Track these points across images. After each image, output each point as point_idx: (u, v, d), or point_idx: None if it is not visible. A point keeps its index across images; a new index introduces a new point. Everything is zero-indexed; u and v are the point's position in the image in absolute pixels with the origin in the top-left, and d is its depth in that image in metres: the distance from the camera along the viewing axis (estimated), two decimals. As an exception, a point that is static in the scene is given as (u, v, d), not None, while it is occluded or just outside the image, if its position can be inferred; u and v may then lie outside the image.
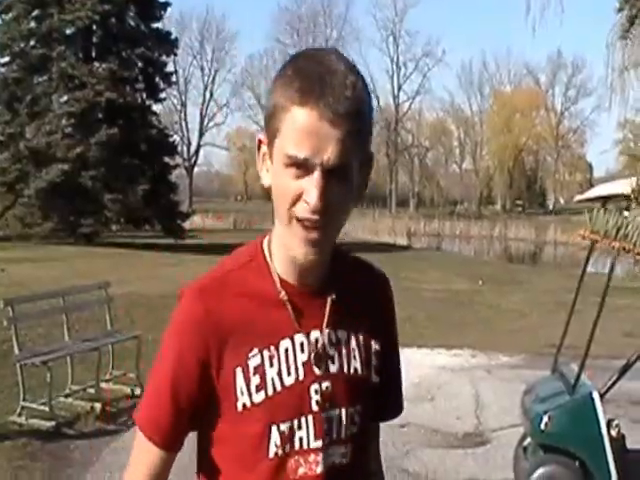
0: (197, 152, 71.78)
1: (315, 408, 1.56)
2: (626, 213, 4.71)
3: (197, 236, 33.36)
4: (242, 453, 1.55)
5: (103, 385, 7.75)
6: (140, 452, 1.61)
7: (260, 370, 1.53)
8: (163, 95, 34.15)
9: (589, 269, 6.75)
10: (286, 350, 1.56)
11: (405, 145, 74.54)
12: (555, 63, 76.80)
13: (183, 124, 71.14)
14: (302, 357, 1.56)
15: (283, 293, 1.56)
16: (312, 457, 1.55)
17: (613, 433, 4.69)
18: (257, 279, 1.58)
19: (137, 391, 7.60)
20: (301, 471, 1.55)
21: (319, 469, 1.56)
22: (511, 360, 10.43)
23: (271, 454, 1.53)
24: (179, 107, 71.27)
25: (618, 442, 4.72)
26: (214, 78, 74.08)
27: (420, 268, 21.65)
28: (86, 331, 9.15)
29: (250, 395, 1.53)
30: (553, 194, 77.35)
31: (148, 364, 1.94)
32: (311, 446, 1.55)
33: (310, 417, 1.56)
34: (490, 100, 76.92)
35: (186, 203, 50.63)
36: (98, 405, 7.18)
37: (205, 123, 71.97)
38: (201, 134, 71.32)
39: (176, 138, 47.37)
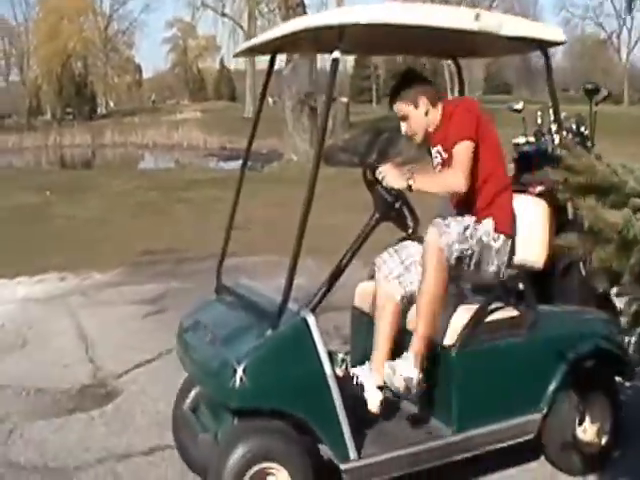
0: None
1: None
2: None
3: None
4: None
5: None
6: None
7: None
8: None
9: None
10: None
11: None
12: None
13: None
14: None
15: None
16: None
17: (339, 372, 3.35)
18: None
19: None
20: None
21: None
22: (107, 277, 8.83)
23: None
24: None
25: (347, 383, 3.40)
26: None
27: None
28: None
29: None
30: (104, 98, 75.45)
31: None
32: None
33: None
34: (37, 8, 71.69)
35: None
36: None
37: None
38: None
39: None
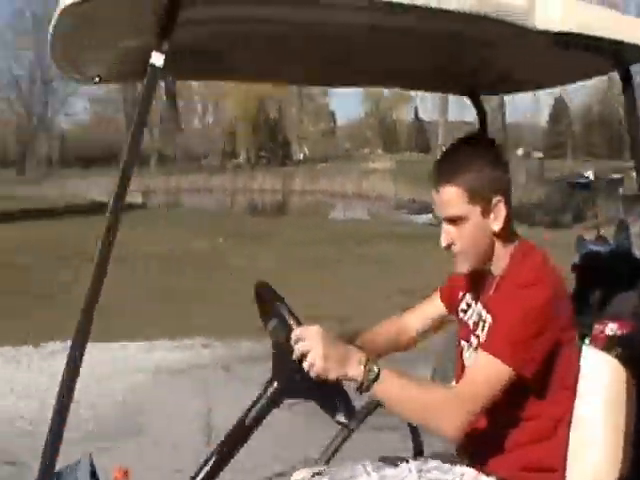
0: None
1: None
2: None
3: None
4: None
5: None
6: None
7: None
8: None
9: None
10: None
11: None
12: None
13: None
14: None
15: None
16: None
17: None
18: None
19: None
20: None
21: None
22: (258, 347, 7.62)
23: None
24: None
25: None
26: None
27: (154, 227, 18.22)
28: None
29: None
30: (298, 145, 76.73)
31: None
32: None
33: None
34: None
35: None
36: None
37: None
38: None
39: None
